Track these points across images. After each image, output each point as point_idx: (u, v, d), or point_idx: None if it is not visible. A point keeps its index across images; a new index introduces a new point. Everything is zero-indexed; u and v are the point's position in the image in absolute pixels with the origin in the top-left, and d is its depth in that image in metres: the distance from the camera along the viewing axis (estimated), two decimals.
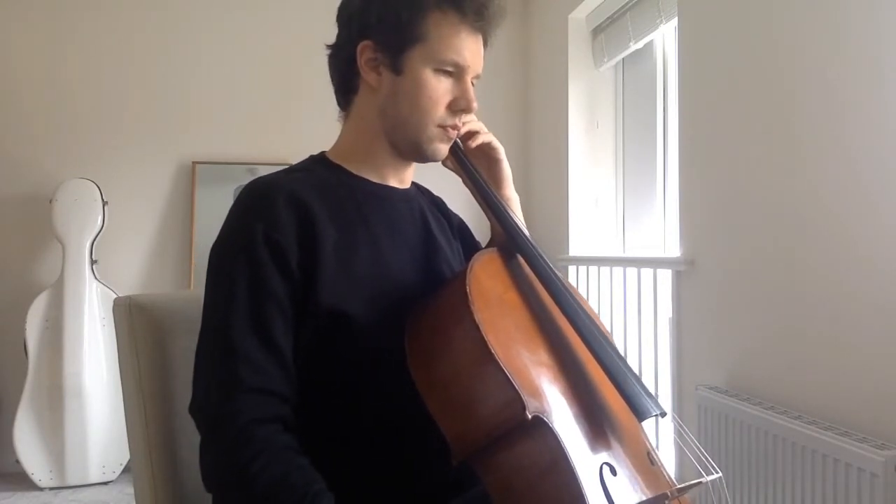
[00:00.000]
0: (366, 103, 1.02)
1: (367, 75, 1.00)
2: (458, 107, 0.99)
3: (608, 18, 3.02)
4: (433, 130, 0.99)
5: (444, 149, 1.02)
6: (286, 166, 1.08)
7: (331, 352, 0.92)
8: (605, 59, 3.10)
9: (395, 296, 0.96)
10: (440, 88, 0.98)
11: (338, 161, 1.04)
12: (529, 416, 0.80)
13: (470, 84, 1.00)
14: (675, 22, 2.39)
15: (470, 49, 0.98)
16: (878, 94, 1.53)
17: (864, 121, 1.57)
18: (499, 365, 0.82)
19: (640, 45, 2.81)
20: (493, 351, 0.82)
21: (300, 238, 0.91)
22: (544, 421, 0.81)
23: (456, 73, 0.98)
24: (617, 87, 3.23)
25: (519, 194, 1.15)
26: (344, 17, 1.02)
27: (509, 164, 1.12)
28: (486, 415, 0.83)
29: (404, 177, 1.08)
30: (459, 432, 0.84)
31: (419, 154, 1.02)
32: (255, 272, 0.89)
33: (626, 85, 3.18)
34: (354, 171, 1.03)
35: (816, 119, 1.71)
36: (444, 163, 1.09)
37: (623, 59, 3.08)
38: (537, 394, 0.84)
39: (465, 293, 0.87)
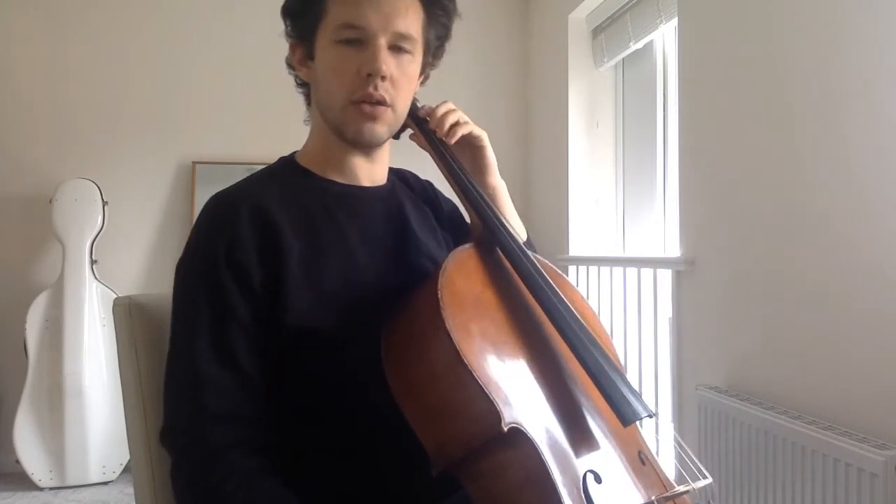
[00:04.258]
0: (312, 101, 1.00)
1: (300, 72, 0.99)
2: (364, 71, 0.90)
3: (608, 18, 3.02)
4: (349, 110, 0.92)
5: (371, 128, 0.93)
6: None
7: (302, 368, 0.90)
8: (605, 59, 3.10)
9: (370, 304, 0.91)
10: (344, 59, 0.91)
11: (305, 164, 1.01)
12: (505, 429, 0.76)
13: (379, 47, 0.90)
14: (675, 22, 2.39)
15: (375, 8, 0.90)
16: (877, 95, 1.53)
17: (863, 121, 1.56)
18: (472, 375, 0.78)
19: (640, 45, 2.81)
20: (465, 360, 0.78)
21: (262, 255, 0.88)
22: (522, 431, 0.78)
23: (362, 39, 0.90)
24: (617, 87, 3.23)
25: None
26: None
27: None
28: (462, 426, 0.80)
29: (374, 173, 1.02)
30: (438, 443, 0.81)
31: (347, 139, 0.95)
32: (217, 296, 0.86)
33: (626, 85, 3.18)
34: (320, 174, 0.99)
35: (816, 119, 1.70)
36: (422, 147, 1.04)
37: (623, 59, 3.07)
38: (515, 403, 0.79)
39: (437, 298, 0.82)
